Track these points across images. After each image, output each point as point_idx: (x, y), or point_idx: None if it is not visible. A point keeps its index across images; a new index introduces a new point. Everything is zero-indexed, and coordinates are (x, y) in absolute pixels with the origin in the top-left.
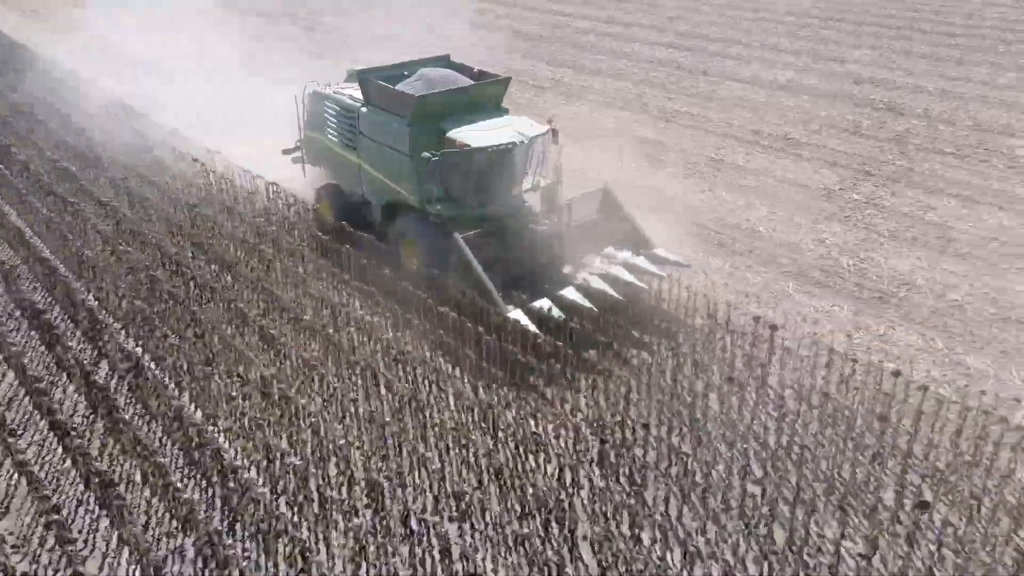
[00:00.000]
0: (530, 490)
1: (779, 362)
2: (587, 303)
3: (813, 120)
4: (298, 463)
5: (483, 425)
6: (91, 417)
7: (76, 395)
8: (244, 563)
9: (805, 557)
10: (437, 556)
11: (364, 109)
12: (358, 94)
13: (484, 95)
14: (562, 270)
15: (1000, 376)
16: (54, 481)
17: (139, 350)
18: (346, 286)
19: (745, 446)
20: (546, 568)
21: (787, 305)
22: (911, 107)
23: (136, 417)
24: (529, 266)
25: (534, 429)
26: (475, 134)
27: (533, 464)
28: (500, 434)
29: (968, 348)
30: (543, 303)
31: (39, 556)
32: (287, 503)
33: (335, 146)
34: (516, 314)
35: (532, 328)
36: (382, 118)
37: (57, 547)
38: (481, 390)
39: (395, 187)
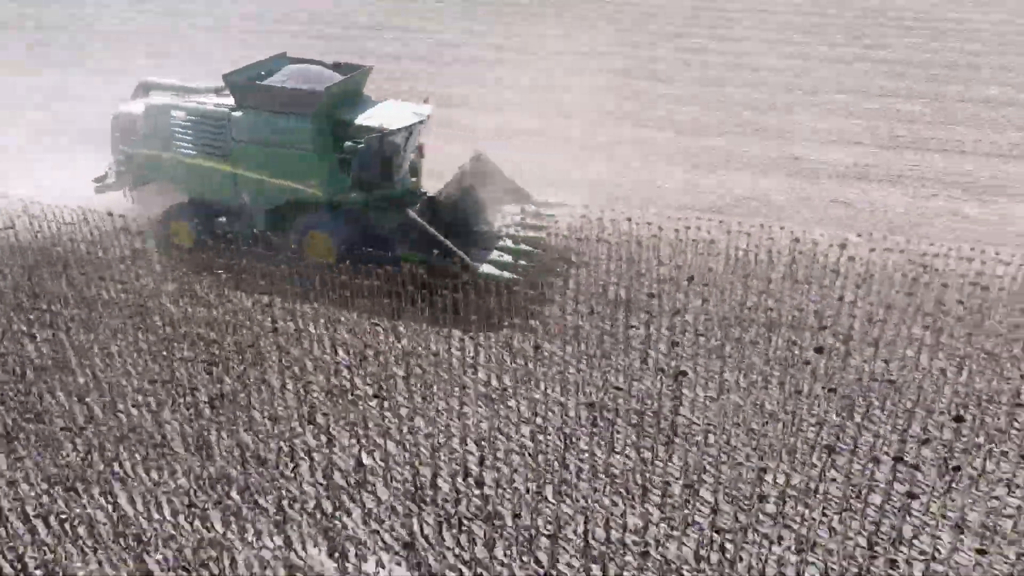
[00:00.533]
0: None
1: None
2: (519, 254)
3: None
4: None
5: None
6: None
7: None
8: None
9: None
10: None
11: (237, 114)
12: (207, 100)
13: (356, 84)
14: (476, 230)
15: None
16: None
17: None
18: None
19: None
20: None
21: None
22: None
23: None
24: (446, 231)
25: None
26: (382, 119)
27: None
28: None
29: None
30: (495, 255)
31: None
32: None
33: (192, 159)
34: (487, 268)
35: (507, 275)
36: (269, 120)
37: None
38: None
39: (294, 186)
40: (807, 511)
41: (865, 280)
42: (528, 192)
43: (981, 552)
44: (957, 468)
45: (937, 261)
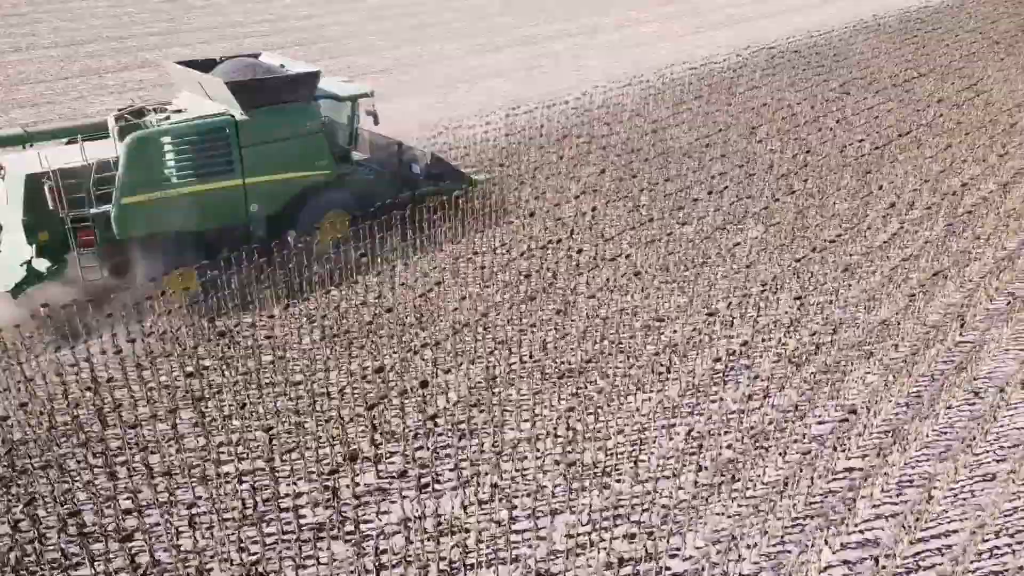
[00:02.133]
0: None
1: None
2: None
3: None
4: None
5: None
6: None
7: None
8: None
9: None
10: None
11: (243, 118)
12: (179, 118)
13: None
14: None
15: None
16: None
17: None
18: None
19: None
20: None
21: None
22: None
23: None
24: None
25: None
26: (341, 90)
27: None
28: None
29: None
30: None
31: None
32: None
33: (194, 186)
34: (480, 176)
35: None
36: (275, 113)
37: None
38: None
39: (304, 175)
40: None
41: None
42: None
43: None
44: None
45: None
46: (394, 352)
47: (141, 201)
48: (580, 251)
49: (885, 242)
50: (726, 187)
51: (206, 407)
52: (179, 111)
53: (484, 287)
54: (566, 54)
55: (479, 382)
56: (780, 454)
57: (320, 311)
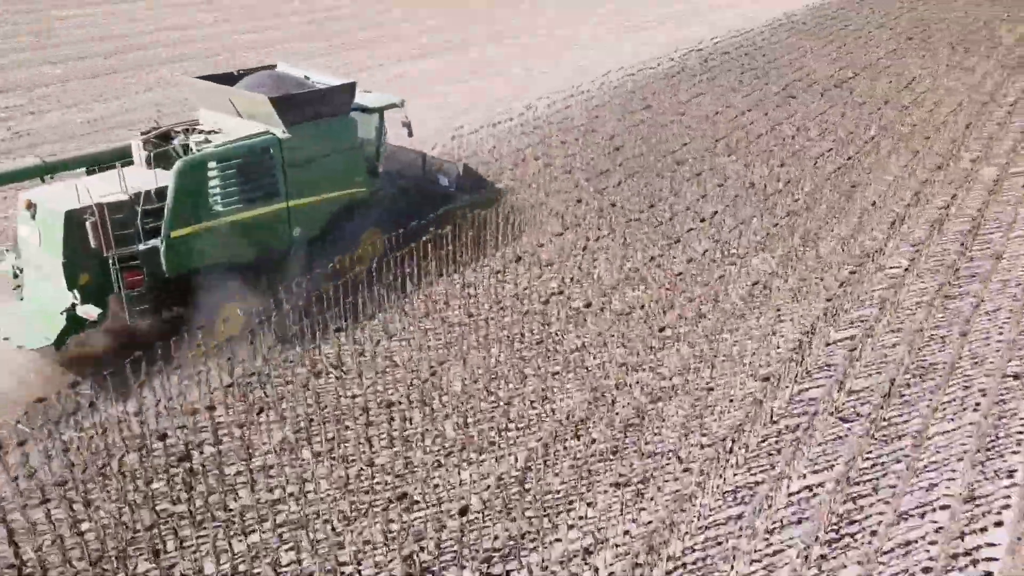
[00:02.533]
0: None
1: None
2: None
3: None
4: None
5: None
6: None
7: None
8: None
9: None
10: None
11: (286, 135)
12: (214, 139)
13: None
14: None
15: None
16: None
17: None
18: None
19: None
20: None
21: None
22: None
23: None
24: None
25: None
26: (381, 103)
27: None
28: None
29: None
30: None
31: None
32: None
33: (240, 212)
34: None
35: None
36: (317, 128)
37: None
38: None
39: (344, 193)
40: None
41: None
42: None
43: None
44: None
45: None
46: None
47: (190, 233)
48: (588, 305)
49: (906, 269)
50: (715, 212)
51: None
52: (214, 132)
53: (492, 368)
54: (498, 61)
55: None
56: None
57: (293, 404)
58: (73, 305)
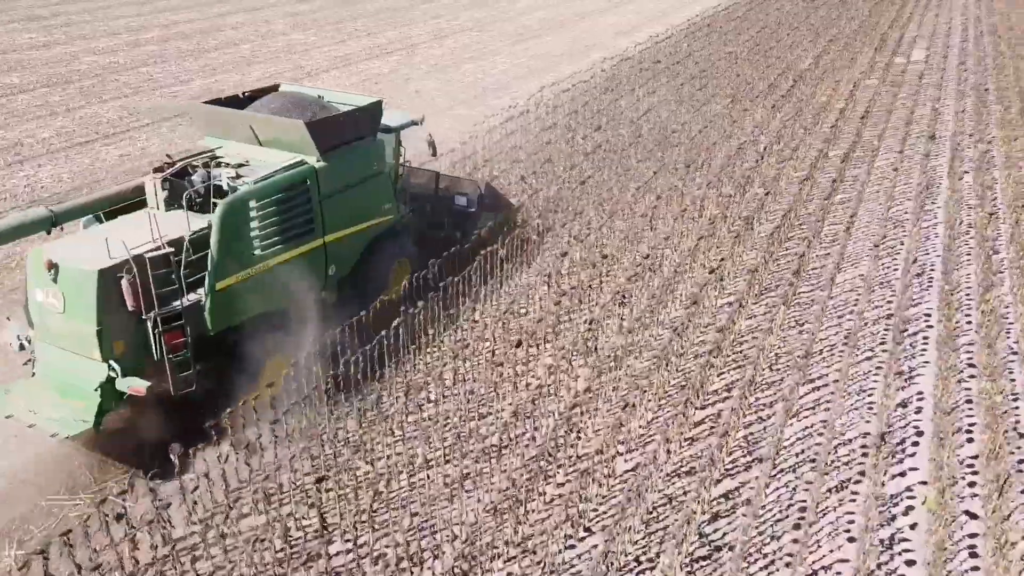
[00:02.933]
0: None
1: None
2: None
3: None
4: None
5: None
6: None
7: None
8: None
9: None
10: None
11: (321, 164)
12: (243, 174)
13: None
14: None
15: None
16: None
17: None
18: None
19: None
20: None
21: None
22: None
23: None
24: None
25: None
26: (400, 122)
27: None
28: None
29: None
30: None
31: None
32: None
33: (280, 253)
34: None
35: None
36: (349, 155)
37: None
38: None
39: (374, 223)
40: None
41: None
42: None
43: None
44: None
45: None
46: None
47: (235, 283)
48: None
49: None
50: (718, 264)
51: None
52: (242, 164)
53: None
54: (393, 76)
55: None
56: None
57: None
58: (110, 379)
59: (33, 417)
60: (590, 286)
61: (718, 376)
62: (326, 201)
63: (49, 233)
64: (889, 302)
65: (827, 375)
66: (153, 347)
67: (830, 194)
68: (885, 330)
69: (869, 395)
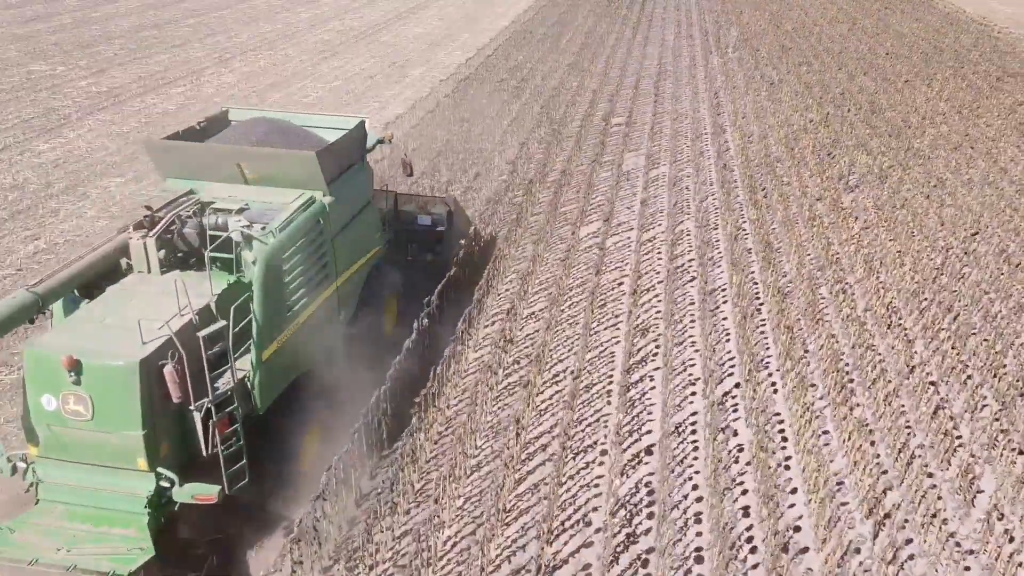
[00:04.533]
0: None
1: None
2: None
3: None
4: None
5: None
6: None
7: None
8: None
9: None
10: None
11: (328, 199)
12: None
13: None
14: None
15: None
16: None
17: None
18: None
19: None
20: None
21: None
22: None
23: None
24: None
25: None
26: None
27: None
28: None
29: None
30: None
31: None
32: None
33: (306, 306)
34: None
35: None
36: (349, 184)
37: None
38: None
39: (368, 257)
40: None
41: None
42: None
43: None
44: None
45: None
46: None
47: (276, 348)
48: None
49: None
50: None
51: None
52: (242, 208)
53: None
54: (184, 115)
55: None
56: None
57: None
58: (161, 490)
59: (67, 557)
60: None
61: None
62: (335, 239)
63: (32, 322)
64: None
65: None
66: (202, 441)
67: None
68: None
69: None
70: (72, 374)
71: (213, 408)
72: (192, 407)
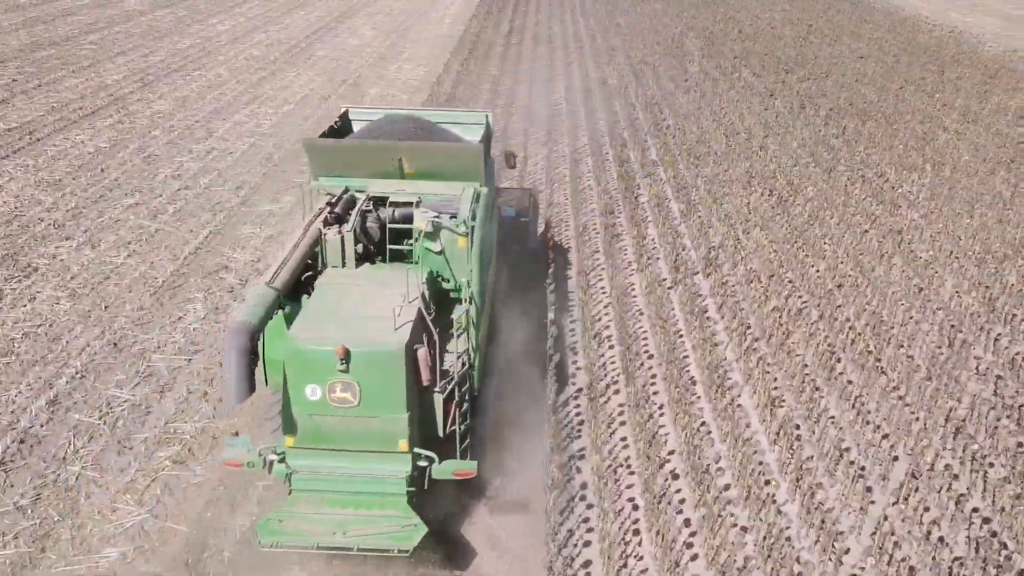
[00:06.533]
0: None
1: None
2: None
3: None
4: None
5: None
6: None
7: None
8: None
9: None
10: None
11: (484, 189)
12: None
13: None
14: None
15: None
16: None
17: None
18: None
19: None
20: None
21: None
22: None
23: None
24: None
25: None
26: None
27: None
28: None
29: None
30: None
31: None
32: None
33: (486, 293)
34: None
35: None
36: (490, 174)
37: None
38: None
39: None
40: None
41: None
42: None
43: None
44: None
45: None
46: None
47: (482, 332)
48: None
49: None
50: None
51: None
52: (414, 201)
53: None
54: (130, 156)
55: None
56: None
57: None
58: (419, 469)
59: (347, 540)
60: None
61: None
62: (485, 232)
63: (282, 310)
64: None
65: None
66: (439, 422)
67: None
68: None
69: None
70: (343, 363)
71: (455, 389)
72: (436, 389)
